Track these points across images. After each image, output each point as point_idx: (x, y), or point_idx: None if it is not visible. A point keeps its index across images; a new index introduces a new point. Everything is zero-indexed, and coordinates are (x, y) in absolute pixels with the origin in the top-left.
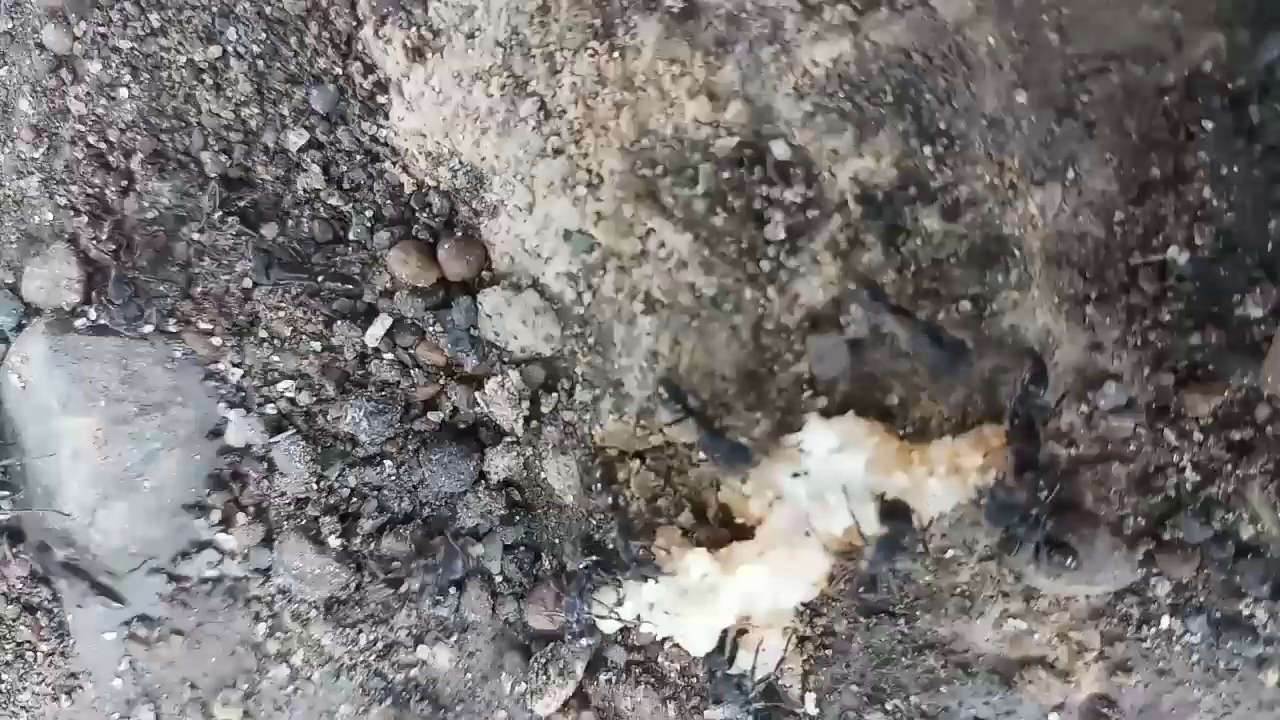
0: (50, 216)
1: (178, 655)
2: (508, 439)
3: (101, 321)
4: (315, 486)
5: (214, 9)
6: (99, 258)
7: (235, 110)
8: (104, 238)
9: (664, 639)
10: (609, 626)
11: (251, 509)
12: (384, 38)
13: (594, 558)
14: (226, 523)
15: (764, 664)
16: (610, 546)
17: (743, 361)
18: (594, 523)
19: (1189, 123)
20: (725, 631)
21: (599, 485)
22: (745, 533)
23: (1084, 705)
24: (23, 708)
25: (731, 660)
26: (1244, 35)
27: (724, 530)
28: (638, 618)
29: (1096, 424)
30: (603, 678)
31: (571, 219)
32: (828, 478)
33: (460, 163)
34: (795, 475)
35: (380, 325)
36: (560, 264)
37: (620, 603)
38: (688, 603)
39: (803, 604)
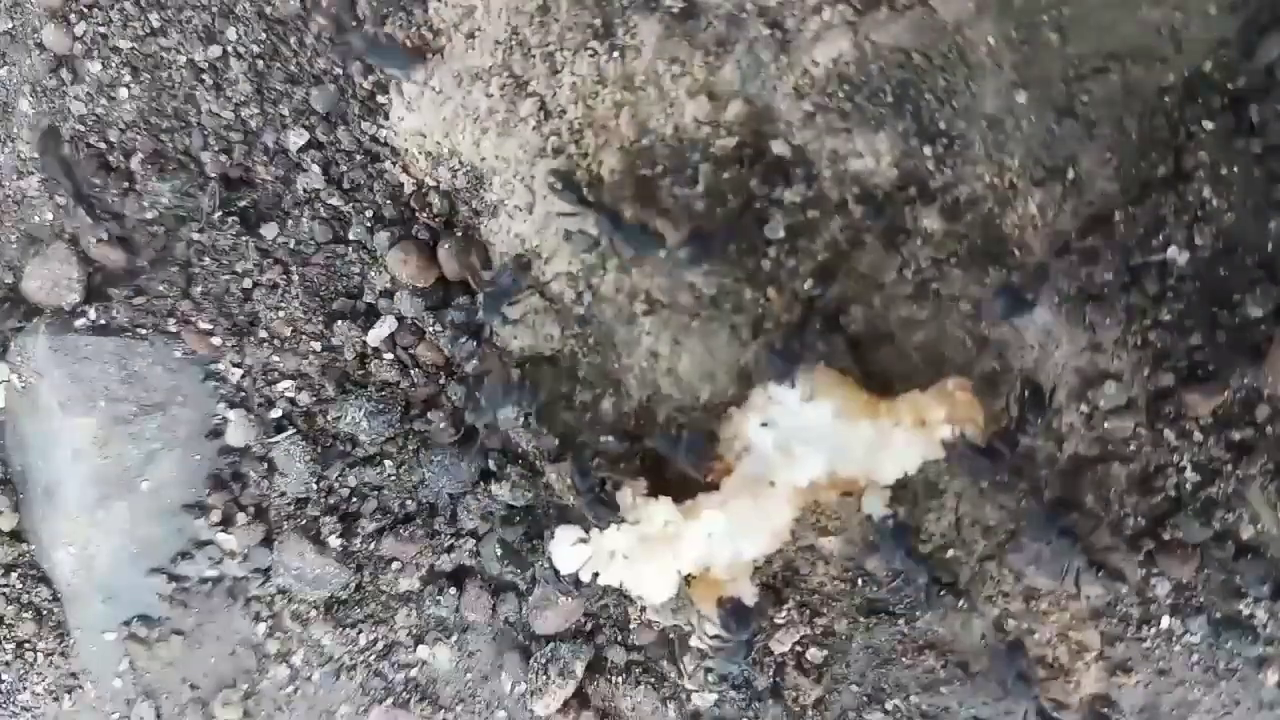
0: (50, 216)
1: (178, 655)
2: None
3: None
4: (315, 486)
5: (214, 9)
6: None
7: (235, 110)
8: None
9: (624, 590)
10: (569, 565)
11: (251, 509)
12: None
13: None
14: (226, 523)
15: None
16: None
17: (742, 360)
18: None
19: (1189, 123)
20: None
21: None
22: (711, 489)
23: (1084, 705)
24: (23, 708)
25: (743, 623)
26: (1244, 35)
27: (690, 482)
28: (595, 576)
29: (1096, 424)
30: (603, 678)
31: (572, 219)
32: (795, 428)
33: (460, 163)
34: (763, 425)
35: (385, 326)
36: (560, 264)
37: (584, 541)
38: (647, 550)
39: (802, 604)
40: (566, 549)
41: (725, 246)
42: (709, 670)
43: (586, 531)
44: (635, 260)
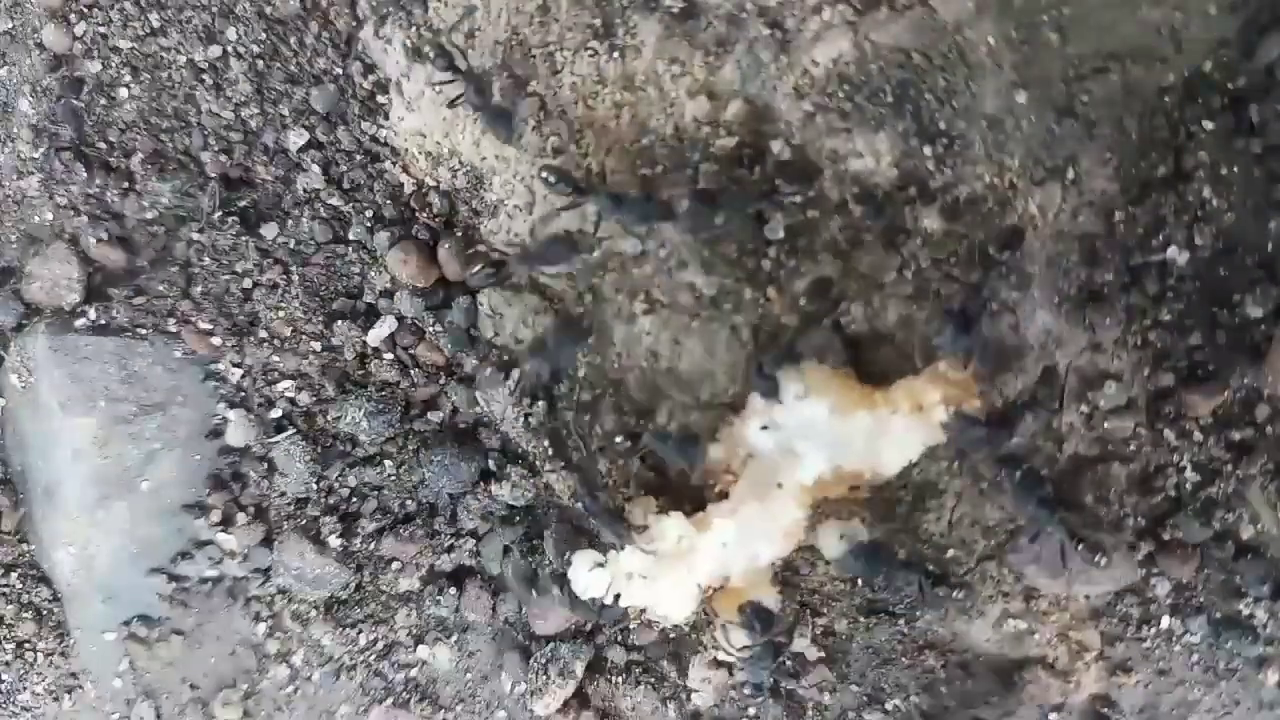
0: (50, 216)
1: (178, 655)
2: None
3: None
4: (315, 486)
5: (214, 9)
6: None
7: (235, 110)
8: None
9: (642, 611)
10: (592, 590)
11: (251, 509)
12: (384, 38)
13: None
14: (226, 523)
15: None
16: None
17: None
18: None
19: (1189, 123)
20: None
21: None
22: (720, 498)
23: (1084, 705)
24: (23, 708)
25: (766, 624)
26: (1244, 35)
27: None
28: (616, 597)
29: (1096, 424)
30: (603, 678)
31: (572, 218)
32: (794, 427)
33: (460, 163)
34: (764, 428)
35: (385, 326)
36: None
37: (602, 565)
38: (663, 567)
39: (802, 604)
40: (585, 574)
41: (732, 210)
42: (739, 686)
43: (602, 551)
44: (637, 260)
